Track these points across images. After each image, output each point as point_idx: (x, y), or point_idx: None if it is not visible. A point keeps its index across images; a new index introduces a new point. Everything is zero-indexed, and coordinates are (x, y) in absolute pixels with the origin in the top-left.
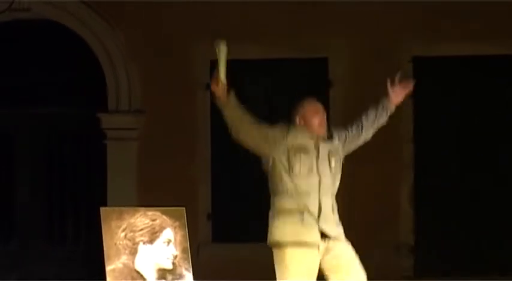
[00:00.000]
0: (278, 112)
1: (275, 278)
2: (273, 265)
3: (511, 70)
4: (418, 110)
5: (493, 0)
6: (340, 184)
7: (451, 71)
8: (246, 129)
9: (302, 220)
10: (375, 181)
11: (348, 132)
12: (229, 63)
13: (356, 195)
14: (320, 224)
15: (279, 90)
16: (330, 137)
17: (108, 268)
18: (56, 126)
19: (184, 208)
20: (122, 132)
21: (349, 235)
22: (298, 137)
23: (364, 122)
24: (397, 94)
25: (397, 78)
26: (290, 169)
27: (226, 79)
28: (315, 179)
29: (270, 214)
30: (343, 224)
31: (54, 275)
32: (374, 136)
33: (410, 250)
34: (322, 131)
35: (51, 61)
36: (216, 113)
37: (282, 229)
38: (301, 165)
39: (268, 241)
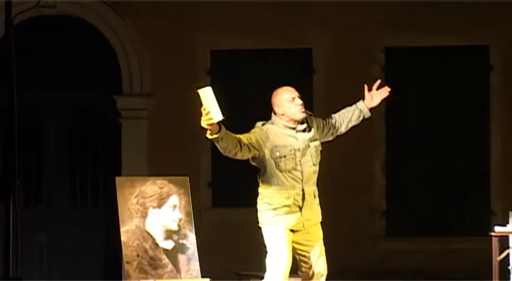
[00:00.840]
0: (267, 96)
1: (261, 237)
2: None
3: (472, 59)
4: (389, 94)
5: None
6: (321, 156)
7: (419, 59)
8: (239, 151)
9: (288, 210)
10: (352, 154)
11: (326, 123)
12: (228, 54)
13: (336, 166)
14: (303, 212)
15: (270, 76)
16: (309, 127)
17: (123, 229)
18: (78, 106)
19: (187, 177)
20: (134, 112)
21: (332, 200)
22: (279, 136)
23: (338, 119)
24: (373, 99)
25: (375, 85)
26: (276, 166)
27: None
28: (299, 173)
29: (260, 202)
30: (326, 192)
31: (76, 234)
32: None
33: (382, 213)
34: (302, 114)
35: (75, 51)
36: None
37: (273, 217)
38: (287, 162)
39: (259, 223)
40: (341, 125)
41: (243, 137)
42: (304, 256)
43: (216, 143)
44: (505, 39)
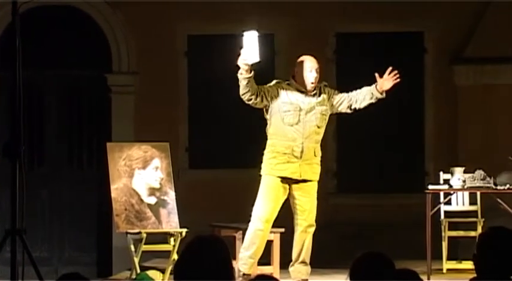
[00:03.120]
0: (235, 74)
1: (234, 195)
2: (232, 184)
3: (410, 43)
4: (339, 73)
5: None
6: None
7: (364, 43)
8: (255, 99)
9: (287, 158)
10: None
11: (340, 97)
12: (202, 38)
13: None
14: (301, 163)
15: (237, 58)
16: (319, 94)
17: (113, 187)
18: (75, 83)
19: (168, 143)
20: (123, 88)
21: None
22: (290, 94)
23: (355, 96)
24: (384, 84)
25: (387, 71)
26: (282, 119)
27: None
28: (301, 128)
29: (265, 152)
30: None
31: (73, 192)
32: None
33: (334, 174)
34: (312, 86)
35: (72, 36)
36: (192, 74)
37: (272, 165)
38: (291, 117)
39: (261, 170)
40: (356, 102)
41: (262, 88)
42: (297, 209)
43: (242, 83)
44: (437, 27)
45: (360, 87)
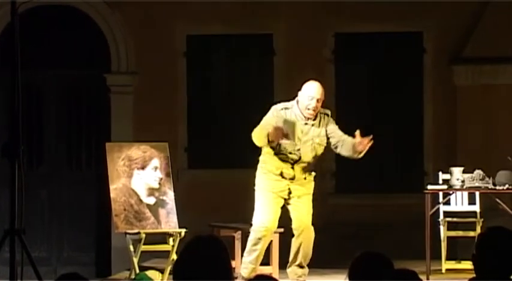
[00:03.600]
0: (234, 74)
1: (233, 195)
2: (231, 184)
3: (409, 43)
4: (338, 73)
5: None
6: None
7: (363, 43)
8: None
9: (278, 179)
10: None
11: (332, 132)
12: (202, 38)
13: None
14: (290, 184)
15: (237, 57)
16: (319, 124)
17: (112, 187)
18: (74, 83)
19: (167, 143)
20: (122, 88)
21: None
22: (291, 123)
23: (341, 142)
24: (360, 146)
25: (368, 137)
26: (279, 146)
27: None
28: (295, 156)
29: (258, 166)
30: None
31: (72, 192)
32: None
33: (332, 174)
34: (311, 116)
35: (71, 36)
36: (191, 74)
37: (263, 181)
38: (288, 145)
39: (255, 185)
40: (342, 146)
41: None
42: (292, 213)
43: (264, 140)
44: (436, 27)
45: (359, 89)
